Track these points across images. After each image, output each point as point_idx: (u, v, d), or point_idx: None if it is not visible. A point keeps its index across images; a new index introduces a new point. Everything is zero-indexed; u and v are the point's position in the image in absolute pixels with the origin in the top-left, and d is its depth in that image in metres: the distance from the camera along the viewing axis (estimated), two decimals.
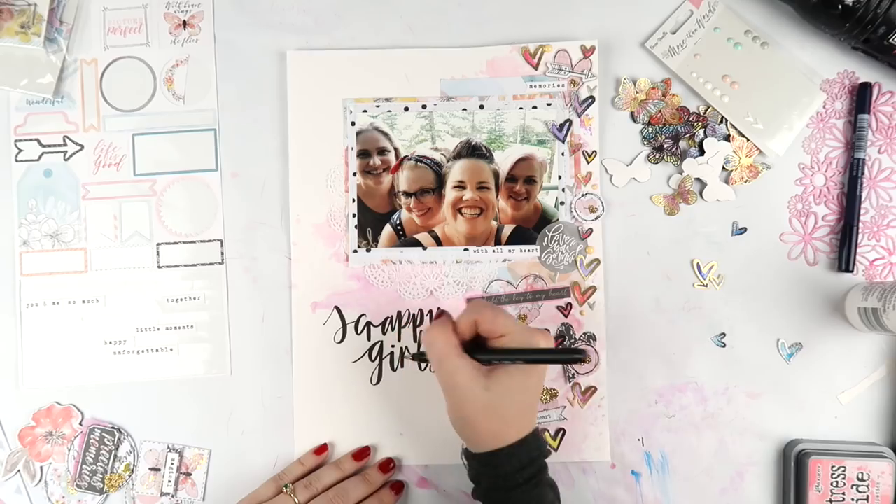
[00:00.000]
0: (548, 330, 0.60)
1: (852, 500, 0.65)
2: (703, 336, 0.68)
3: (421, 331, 0.68)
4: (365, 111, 0.69)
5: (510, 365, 0.56)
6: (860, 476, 0.65)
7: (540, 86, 0.69)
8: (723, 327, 0.68)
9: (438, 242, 0.69)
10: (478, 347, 0.58)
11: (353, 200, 0.69)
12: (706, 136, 0.68)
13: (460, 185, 0.69)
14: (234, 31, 0.70)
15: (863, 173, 0.67)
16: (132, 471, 0.68)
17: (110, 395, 0.69)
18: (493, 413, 0.56)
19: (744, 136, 0.68)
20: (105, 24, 0.70)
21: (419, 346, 0.68)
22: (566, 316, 0.68)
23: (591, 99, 0.69)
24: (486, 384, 0.55)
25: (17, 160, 0.69)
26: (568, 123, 0.69)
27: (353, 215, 0.69)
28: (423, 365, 0.68)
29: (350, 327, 0.69)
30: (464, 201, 0.69)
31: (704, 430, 0.68)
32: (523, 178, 0.69)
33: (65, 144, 0.70)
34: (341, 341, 0.69)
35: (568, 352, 0.55)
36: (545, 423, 0.68)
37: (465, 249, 0.69)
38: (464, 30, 0.69)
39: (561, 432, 0.68)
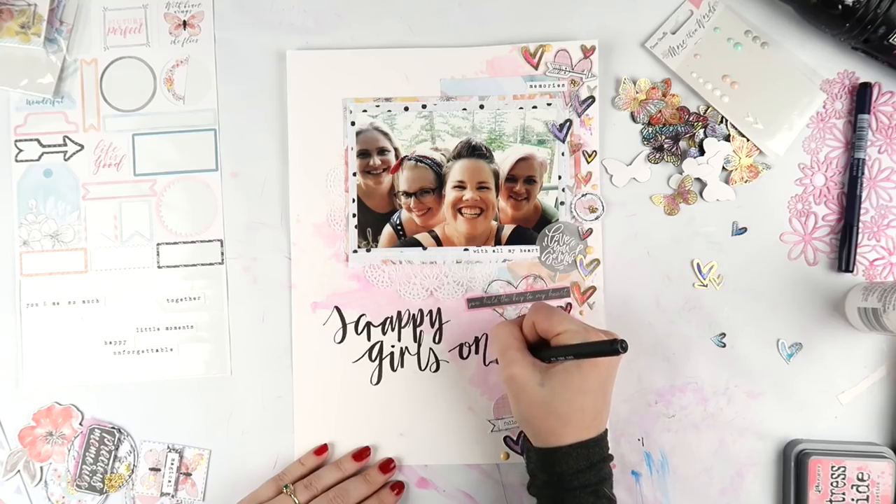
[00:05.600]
0: (613, 334, 0.60)
1: (852, 500, 0.65)
2: (703, 336, 0.68)
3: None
4: (365, 111, 0.69)
5: (566, 363, 0.57)
6: (860, 476, 0.65)
7: (540, 86, 0.69)
8: (723, 327, 0.68)
9: (438, 242, 0.69)
10: (540, 346, 0.60)
11: (353, 200, 0.69)
12: (706, 136, 0.68)
13: (460, 185, 0.69)
14: (234, 31, 0.70)
15: (863, 173, 0.67)
16: (132, 471, 0.68)
17: (110, 395, 0.69)
18: (548, 410, 0.56)
19: (744, 136, 0.68)
20: (105, 24, 0.70)
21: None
22: None
23: (591, 99, 0.69)
24: (542, 380, 0.57)
25: (17, 160, 0.69)
26: (568, 123, 0.69)
27: (353, 215, 0.69)
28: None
29: (350, 327, 0.69)
30: (464, 201, 0.69)
31: (704, 430, 0.68)
32: (523, 178, 0.69)
33: (65, 144, 0.70)
34: (341, 341, 0.69)
35: (608, 343, 0.55)
36: None
37: (465, 249, 0.69)
38: (464, 30, 0.69)
39: None
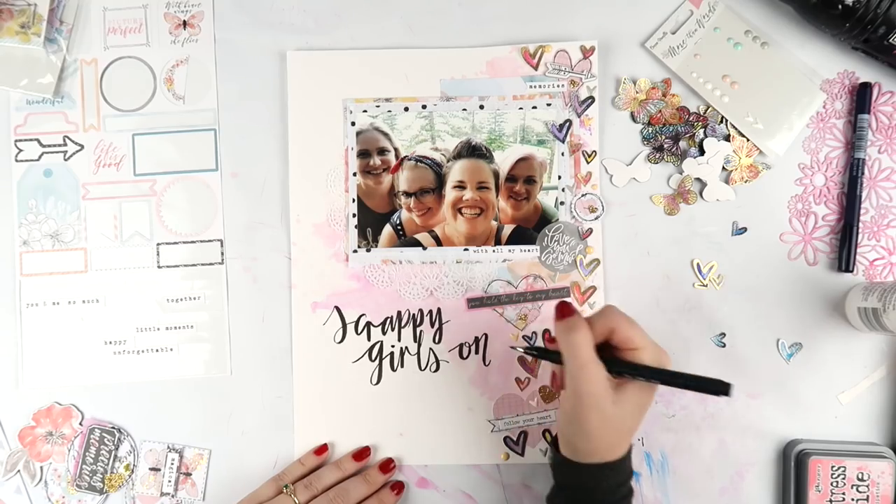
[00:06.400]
0: (664, 352, 0.57)
1: (852, 500, 0.65)
2: (703, 336, 0.68)
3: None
4: (365, 111, 0.69)
5: (638, 382, 0.55)
6: (860, 476, 0.65)
7: (540, 86, 0.69)
8: (723, 327, 0.68)
9: (438, 242, 0.69)
10: (603, 353, 0.55)
11: (353, 200, 0.69)
12: (706, 136, 0.68)
13: (460, 185, 0.69)
14: (234, 31, 0.70)
15: (863, 173, 0.67)
16: (132, 471, 0.68)
17: (110, 395, 0.69)
18: (613, 428, 0.54)
19: (744, 136, 0.68)
20: (105, 24, 0.70)
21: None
22: None
23: (591, 99, 0.69)
24: (616, 398, 0.54)
25: (17, 160, 0.69)
26: (568, 123, 0.69)
27: (353, 215, 0.69)
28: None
29: (350, 327, 0.69)
30: (464, 201, 0.69)
31: (704, 430, 0.68)
32: (523, 178, 0.69)
33: (65, 144, 0.70)
34: (341, 341, 0.69)
35: (713, 382, 0.53)
36: (545, 424, 0.68)
37: (465, 249, 0.69)
38: (464, 30, 0.69)
39: None
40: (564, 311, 0.56)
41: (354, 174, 0.69)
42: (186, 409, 0.69)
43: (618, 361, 0.55)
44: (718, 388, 0.52)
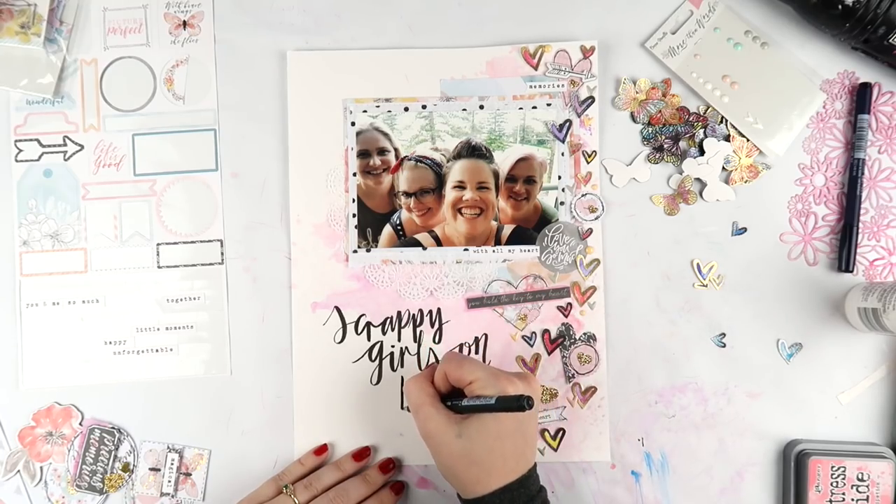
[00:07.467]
0: (526, 375, 0.59)
1: (852, 500, 0.65)
2: (703, 336, 0.68)
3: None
4: (365, 111, 0.69)
5: (477, 413, 0.57)
6: (860, 476, 0.65)
7: (540, 86, 0.69)
8: (723, 327, 0.68)
9: (438, 242, 0.69)
10: (459, 398, 0.59)
11: (353, 200, 0.69)
12: (706, 136, 0.68)
13: (460, 186, 0.69)
14: (234, 31, 0.70)
15: (863, 173, 0.67)
16: (132, 471, 0.68)
17: (110, 395, 0.69)
18: (468, 460, 0.56)
19: (744, 136, 0.68)
20: (105, 25, 0.70)
21: None
22: (566, 316, 0.68)
23: (591, 99, 0.69)
24: (459, 431, 0.57)
25: (17, 160, 0.69)
26: (568, 123, 0.69)
27: (353, 215, 0.69)
28: None
29: (350, 327, 0.69)
30: (464, 201, 0.69)
31: (704, 430, 0.68)
32: (523, 178, 0.69)
33: (65, 144, 0.70)
34: (341, 341, 0.69)
35: (511, 400, 0.54)
36: (545, 423, 0.68)
37: (465, 249, 0.69)
38: (464, 30, 0.69)
39: (561, 432, 0.68)
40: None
41: (354, 174, 0.69)
42: (186, 409, 0.69)
43: (451, 400, 0.59)
44: (521, 403, 0.53)
